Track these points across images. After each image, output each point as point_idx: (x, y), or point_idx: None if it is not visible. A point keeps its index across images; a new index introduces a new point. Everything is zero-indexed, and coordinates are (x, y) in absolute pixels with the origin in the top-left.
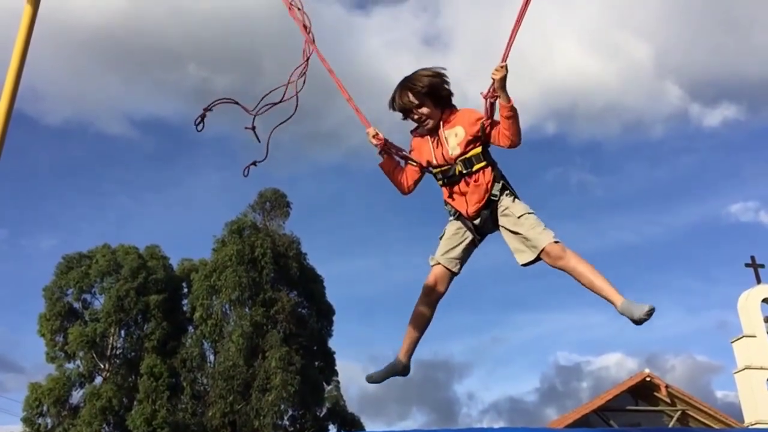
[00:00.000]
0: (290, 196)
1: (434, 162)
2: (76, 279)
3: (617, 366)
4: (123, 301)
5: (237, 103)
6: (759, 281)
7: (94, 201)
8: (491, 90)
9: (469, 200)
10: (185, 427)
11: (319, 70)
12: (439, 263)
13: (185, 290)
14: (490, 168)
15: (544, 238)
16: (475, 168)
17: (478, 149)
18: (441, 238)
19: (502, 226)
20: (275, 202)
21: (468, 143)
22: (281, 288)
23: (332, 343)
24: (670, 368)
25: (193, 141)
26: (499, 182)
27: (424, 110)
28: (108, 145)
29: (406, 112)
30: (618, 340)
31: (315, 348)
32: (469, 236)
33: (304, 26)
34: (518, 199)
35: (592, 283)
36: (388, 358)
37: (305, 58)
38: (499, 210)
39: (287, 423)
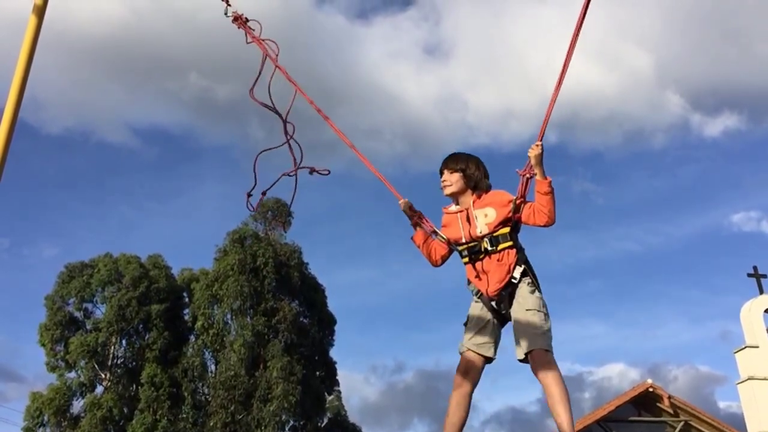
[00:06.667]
0: (292, 206)
1: (461, 239)
2: (78, 288)
3: (619, 376)
4: (124, 310)
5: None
6: (761, 291)
7: (96, 210)
8: (528, 167)
9: (490, 279)
10: None
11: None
12: (468, 350)
13: (187, 299)
14: (515, 250)
15: (538, 342)
16: (500, 247)
17: (506, 229)
18: (465, 324)
19: (513, 313)
20: (277, 212)
21: (497, 224)
22: (283, 297)
23: (333, 353)
24: (672, 379)
25: (194, 150)
26: (521, 266)
27: (449, 177)
28: (110, 154)
29: (441, 174)
30: (620, 350)
31: (316, 358)
32: (493, 317)
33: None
34: (538, 291)
35: (553, 407)
36: (389, 368)
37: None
38: (516, 296)
39: None
